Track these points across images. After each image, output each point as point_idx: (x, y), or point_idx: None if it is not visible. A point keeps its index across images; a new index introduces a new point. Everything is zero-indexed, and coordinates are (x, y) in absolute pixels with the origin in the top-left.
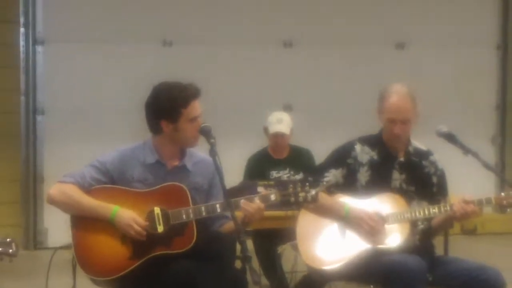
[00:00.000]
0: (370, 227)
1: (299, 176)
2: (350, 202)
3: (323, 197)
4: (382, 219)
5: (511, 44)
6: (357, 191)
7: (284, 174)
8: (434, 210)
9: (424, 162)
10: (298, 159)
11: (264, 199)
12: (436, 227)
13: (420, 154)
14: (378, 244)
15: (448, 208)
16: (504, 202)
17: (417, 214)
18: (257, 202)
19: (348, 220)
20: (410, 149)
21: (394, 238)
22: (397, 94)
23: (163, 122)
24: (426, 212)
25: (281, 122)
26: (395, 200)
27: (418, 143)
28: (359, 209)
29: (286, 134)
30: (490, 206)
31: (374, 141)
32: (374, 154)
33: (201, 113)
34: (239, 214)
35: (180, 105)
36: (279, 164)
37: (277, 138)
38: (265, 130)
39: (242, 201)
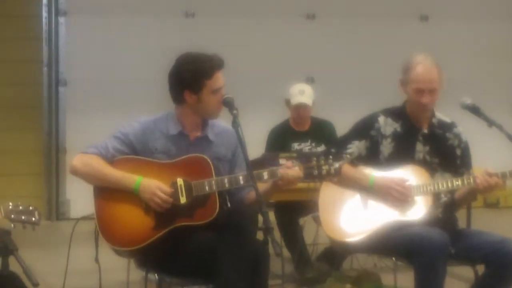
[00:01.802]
0: (399, 193)
1: (321, 149)
2: (374, 173)
3: (347, 168)
4: (408, 188)
5: None
6: (380, 163)
7: (306, 147)
8: (457, 182)
9: (448, 134)
10: (320, 131)
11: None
12: (459, 199)
13: (444, 126)
14: (407, 211)
15: (472, 180)
16: None
17: (440, 186)
18: (296, 170)
19: (374, 190)
20: (434, 121)
21: (417, 210)
22: (423, 64)
23: (186, 93)
24: (449, 184)
25: (303, 94)
26: (418, 172)
27: (442, 115)
28: (385, 177)
29: (309, 105)
30: None
31: (398, 113)
32: (397, 126)
33: (224, 84)
34: (262, 185)
35: (204, 76)
36: (300, 136)
37: (300, 109)
38: (287, 102)
39: (281, 169)
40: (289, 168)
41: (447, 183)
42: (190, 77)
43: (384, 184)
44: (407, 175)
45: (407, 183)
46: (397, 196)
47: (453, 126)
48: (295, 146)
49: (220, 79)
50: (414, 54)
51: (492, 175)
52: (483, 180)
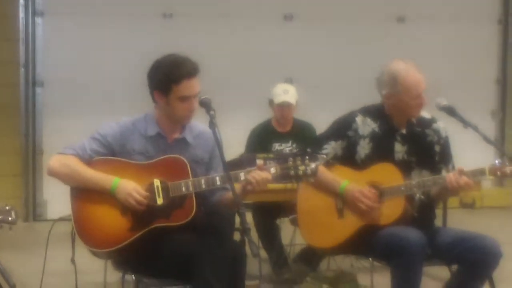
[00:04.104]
0: (366, 206)
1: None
2: (346, 175)
3: (322, 171)
4: (377, 195)
5: None
6: (356, 164)
7: (287, 147)
8: (428, 182)
9: (427, 131)
10: (301, 132)
11: (264, 171)
12: (436, 196)
13: (423, 123)
14: (375, 222)
15: (442, 180)
16: (498, 172)
17: (413, 186)
18: (264, 172)
19: (344, 198)
20: (413, 119)
21: (392, 211)
22: (410, 70)
23: (156, 93)
24: (421, 184)
25: (287, 93)
26: (390, 172)
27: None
28: (354, 188)
29: (292, 104)
30: (485, 177)
31: (377, 113)
32: (375, 127)
33: (196, 93)
34: (238, 186)
35: (171, 80)
36: (282, 137)
37: (283, 108)
38: (270, 102)
39: (245, 172)
40: (260, 169)
41: (418, 182)
42: (160, 79)
43: (352, 195)
44: (379, 175)
45: (378, 189)
46: (363, 208)
47: (432, 121)
48: (276, 146)
49: (189, 87)
50: (394, 64)
51: (463, 174)
52: (454, 179)
